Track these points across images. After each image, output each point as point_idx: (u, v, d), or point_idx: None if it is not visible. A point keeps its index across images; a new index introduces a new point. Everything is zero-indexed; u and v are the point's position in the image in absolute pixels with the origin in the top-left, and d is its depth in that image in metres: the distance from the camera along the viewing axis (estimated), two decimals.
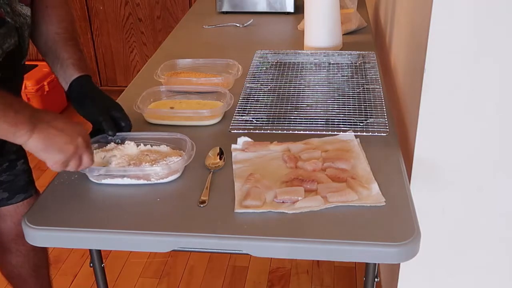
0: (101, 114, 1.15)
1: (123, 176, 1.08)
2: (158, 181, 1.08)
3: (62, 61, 1.21)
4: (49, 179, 1.13)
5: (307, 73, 1.59)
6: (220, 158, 1.16)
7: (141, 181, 1.08)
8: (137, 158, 1.12)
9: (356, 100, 1.39)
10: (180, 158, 1.10)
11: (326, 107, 1.36)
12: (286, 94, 1.44)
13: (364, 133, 1.23)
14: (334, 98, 1.41)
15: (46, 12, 1.24)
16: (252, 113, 1.34)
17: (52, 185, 1.10)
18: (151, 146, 1.17)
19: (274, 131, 1.26)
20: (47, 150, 0.96)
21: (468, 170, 1.29)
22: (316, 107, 1.37)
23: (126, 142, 1.16)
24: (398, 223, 0.95)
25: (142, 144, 1.17)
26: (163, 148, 1.17)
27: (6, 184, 1.35)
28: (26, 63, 1.25)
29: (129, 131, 1.19)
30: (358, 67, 1.60)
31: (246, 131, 1.26)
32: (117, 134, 1.16)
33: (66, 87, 1.21)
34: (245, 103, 1.40)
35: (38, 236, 0.98)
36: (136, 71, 3.48)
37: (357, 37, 1.94)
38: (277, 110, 1.36)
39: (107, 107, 1.17)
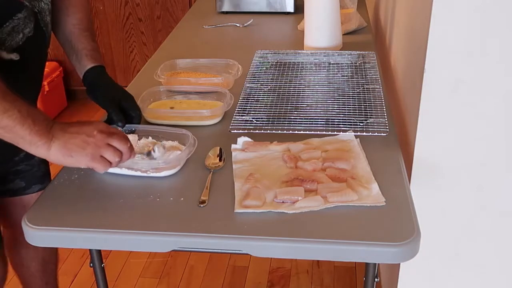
0: (111, 105, 1.18)
1: (121, 167, 1.09)
2: (156, 175, 1.09)
3: (77, 52, 1.25)
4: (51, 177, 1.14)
5: (307, 73, 1.59)
6: (220, 158, 1.16)
7: (138, 173, 1.09)
8: (139, 150, 1.14)
9: (356, 100, 1.39)
10: (172, 153, 1.11)
11: (326, 107, 1.36)
12: (286, 94, 1.44)
13: (364, 133, 1.23)
14: (334, 98, 1.41)
15: (63, 3, 1.27)
16: (252, 113, 1.34)
17: (52, 185, 1.10)
18: (161, 140, 1.19)
19: (274, 131, 1.26)
20: (70, 154, 0.98)
21: (468, 170, 1.29)
22: (316, 107, 1.37)
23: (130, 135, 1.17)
24: (398, 223, 0.95)
25: (150, 137, 1.19)
26: (170, 142, 1.18)
27: (23, 173, 1.38)
28: None
29: (139, 121, 1.22)
30: (358, 67, 1.60)
31: (246, 131, 1.26)
32: (128, 125, 1.19)
33: (81, 77, 1.25)
34: (245, 103, 1.40)
35: (38, 236, 0.98)
36: (136, 71, 3.48)
37: (357, 37, 1.94)
38: (277, 110, 1.36)
39: (117, 98, 1.21)
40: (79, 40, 1.26)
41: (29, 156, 1.35)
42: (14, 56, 1.11)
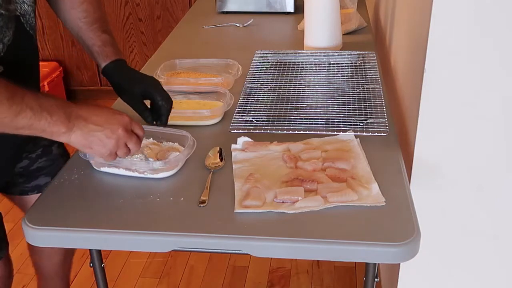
0: (134, 103, 1.17)
1: (118, 167, 1.10)
2: (153, 176, 1.09)
3: (89, 49, 1.22)
4: None
5: (307, 73, 1.59)
6: (220, 158, 1.16)
7: (135, 174, 1.10)
8: (139, 150, 1.13)
9: (356, 100, 1.39)
10: (170, 154, 1.11)
11: (326, 107, 1.36)
12: (286, 94, 1.44)
13: (364, 133, 1.23)
14: (334, 98, 1.41)
15: None
16: (252, 113, 1.34)
17: (52, 185, 1.10)
18: (160, 142, 1.20)
19: (274, 131, 1.26)
20: (90, 146, 0.99)
21: (468, 170, 1.29)
22: (316, 107, 1.37)
23: None
24: (398, 223, 0.95)
25: (151, 138, 1.19)
26: (169, 144, 1.18)
27: (46, 168, 1.38)
28: None
29: (169, 106, 1.19)
30: (358, 67, 1.60)
31: (246, 131, 1.26)
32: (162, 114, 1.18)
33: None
34: (245, 103, 1.40)
35: (38, 236, 0.98)
36: None
37: (357, 37, 1.94)
38: (277, 110, 1.36)
39: (139, 93, 1.17)
40: (88, 36, 1.21)
41: (47, 152, 1.37)
42: None
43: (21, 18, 1.10)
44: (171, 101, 1.20)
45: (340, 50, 1.77)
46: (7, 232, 1.34)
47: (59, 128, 0.94)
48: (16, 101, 0.90)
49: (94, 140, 0.98)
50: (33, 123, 0.92)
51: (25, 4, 1.10)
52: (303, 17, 1.85)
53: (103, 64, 1.20)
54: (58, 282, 1.61)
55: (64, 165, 1.42)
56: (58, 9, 1.24)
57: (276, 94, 1.45)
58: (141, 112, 1.17)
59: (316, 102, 1.39)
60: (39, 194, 1.38)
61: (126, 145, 1.02)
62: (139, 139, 1.05)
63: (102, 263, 1.23)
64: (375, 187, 1.04)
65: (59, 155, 1.41)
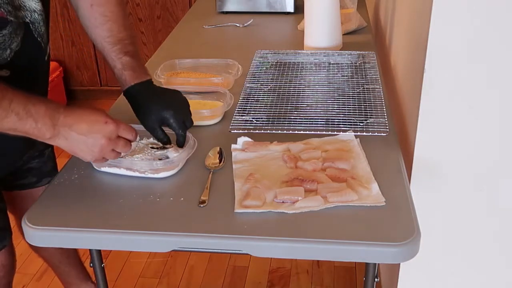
0: (151, 132, 1.14)
1: (119, 167, 1.10)
2: (154, 176, 1.09)
3: (112, 70, 1.19)
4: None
5: (307, 73, 1.59)
6: (220, 158, 1.15)
7: (136, 174, 1.10)
8: (140, 150, 1.14)
9: (356, 100, 1.39)
10: (171, 157, 1.11)
11: (326, 107, 1.36)
12: (286, 94, 1.44)
13: (364, 133, 1.23)
14: (334, 98, 1.41)
15: (91, 12, 1.19)
16: (252, 113, 1.34)
17: (52, 185, 1.10)
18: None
19: (274, 131, 1.26)
20: (74, 152, 1.02)
21: (468, 170, 1.29)
22: (316, 107, 1.37)
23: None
24: (398, 223, 0.95)
25: (152, 138, 1.18)
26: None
27: (35, 170, 1.43)
28: None
29: (183, 136, 1.14)
30: (358, 67, 1.60)
31: (246, 131, 1.26)
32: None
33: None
34: (245, 103, 1.40)
35: (38, 236, 0.98)
36: None
37: (357, 37, 1.94)
38: (277, 110, 1.36)
39: (156, 123, 1.13)
40: (110, 57, 1.18)
41: (42, 155, 1.42)
42: (5, 73, 1.07)
43: (30, 25, 1.11)
44: (190, 124, 1.17)
45: (340, 50, 1.77)
46: None
47: (44, 134, 0.97)
48: (2, 105, 0.92)
49: (78, 148, 1.01)
50: (18, 127, 0.95)
51: (35, 13, 1.11)
52: (303, 17, 1.85)
53: (123, 89, 1.18)
54: (67, 269, 1.66)
55: (53, 168, 1.48)
56: (85, 27, 1.22)
57: (276, 94, 1.45)
58: (158, 139, 1.15)
59: (316, 102, 1.39)
60: (21, 191, 1.44)
61: (113, 149, 1.03)
62: (128, 142, 1.05)
63: (102, 263, 1.23)
64: (375, 187, 1.04)
65: (49, 157, 1.46)
